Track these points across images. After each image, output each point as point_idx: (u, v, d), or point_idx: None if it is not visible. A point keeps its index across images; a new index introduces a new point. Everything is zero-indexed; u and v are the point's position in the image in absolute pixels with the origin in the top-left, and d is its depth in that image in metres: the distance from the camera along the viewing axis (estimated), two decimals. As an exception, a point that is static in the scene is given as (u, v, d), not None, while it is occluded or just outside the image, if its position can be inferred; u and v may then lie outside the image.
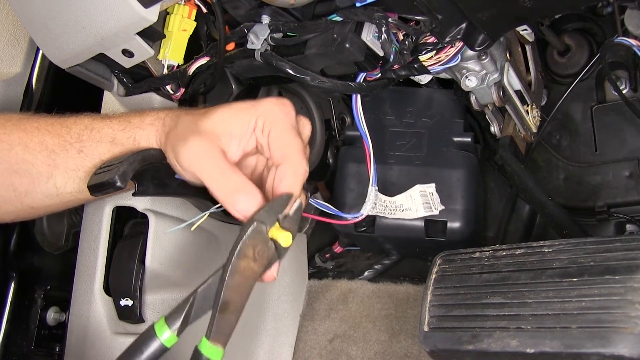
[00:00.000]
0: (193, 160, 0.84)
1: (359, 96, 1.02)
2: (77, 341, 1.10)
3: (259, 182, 0.90)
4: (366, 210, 1.07)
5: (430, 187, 1.15)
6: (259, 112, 0.86)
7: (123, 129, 0.95)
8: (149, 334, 0.76)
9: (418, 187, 1.15)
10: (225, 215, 0.93)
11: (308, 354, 1.31)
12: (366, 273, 1.39)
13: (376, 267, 1.40)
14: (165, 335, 0.76)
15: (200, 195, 0.97)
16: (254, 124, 0.86)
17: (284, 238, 0.79)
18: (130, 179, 0.87)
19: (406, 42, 0.95)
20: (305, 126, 0.90)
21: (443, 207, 1.15)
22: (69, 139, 0.95)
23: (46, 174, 0.95)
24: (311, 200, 1.03)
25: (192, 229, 0.95)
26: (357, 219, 1.08)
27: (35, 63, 1.20)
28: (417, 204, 1.15)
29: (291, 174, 0.82)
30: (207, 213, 0.91)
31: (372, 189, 1.06)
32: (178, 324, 0.77)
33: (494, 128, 1.15)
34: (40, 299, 1.26)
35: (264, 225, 0.78)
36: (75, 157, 0.95)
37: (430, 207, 1.15)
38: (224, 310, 0.76)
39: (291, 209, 0.81)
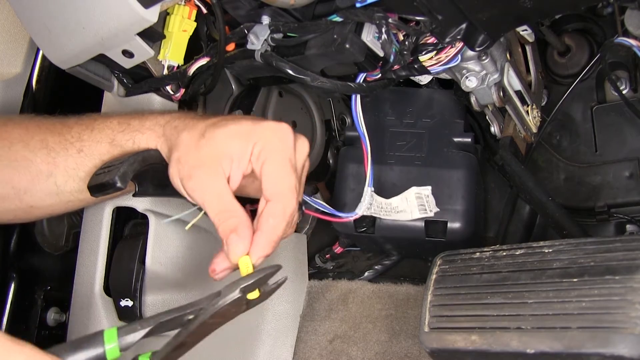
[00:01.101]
0: (198, 194, 0.86)
1: (358, 97, 1.02)
2: (77, 342, 1.10)
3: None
4: (361, 210, 1.07)
5: (426, 190, 1.15)
6: (256, 138, 0.86)
7: (122, 131, 0.95)
8: (96, 339, 0.74)
9: (414, 190, 1.15)
10: None
11: (308, 355, 1.31)
12: (366, 273, 1.39)
13: (376, 267, 1.40)
14: (110, 346, 0.73)
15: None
16: (250, 151, 0.86)
17: (252, 295, 0.80)
18: (130, 179, 0.87)
19: (406, 43, 0.95)
20: (304, 146, 0.90)
21: (438, 210, 1.15)
22: (70, 138, 0.96)
23: (46, 172, 0.96)
24: (309, 199, 1.04)
25: (187, 227, 0.95)
26: (351, 218, 1.09)
27: (35, 63, 1.20)
28: (412, 206, 1.15)
29: (279, 214, 0.83)
30: (202, 212, 0.91)
31: (368, 190, 1.06)
32: (126, 341, 0.75)
33: (494, 128, 1.15)
34: (41, 299, 1.26)
35: (246, 294, 0.79)
36: (75, 156, 0.95)
37: (425, 210, 1.15)
38: (178, 348, 0.77)
39: (276, 281, 0.82)
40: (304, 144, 0.91)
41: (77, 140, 0.96)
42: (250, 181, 0.91)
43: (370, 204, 1.09)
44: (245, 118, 0.91)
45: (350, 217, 1.09)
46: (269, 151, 0.86)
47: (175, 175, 0.89)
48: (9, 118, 1.00)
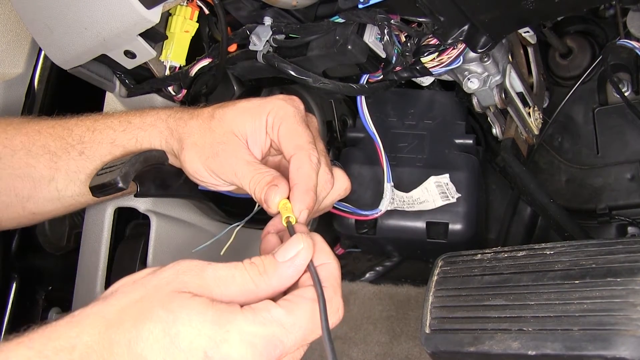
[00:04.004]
0: (228, 168, 0.85)
1: (363, 98, 1.02)
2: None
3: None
4: (384, 206, 1.06)
5: (445, 178, 1.15)
6: (268, 109, 0.86)
7: (124, 130, 0.94)
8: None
9: (433, 179, 1.15)
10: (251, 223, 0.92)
11: (309, 355, 1.30)
12: (367, 275, 1.39)
13: (377, 268, 1.40)
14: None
15: (202, 196, 0.97)
16: (265, 123, 0.85)
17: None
18: (132, 180, 0.87)
19: (408, 44, 0.95)
20: (312, 120, 0.90)
21: (459, 195, 1.15)
22: (71, 141, 0.95)
23: (48, 177, 0.95)
24: None
25: (222, 252, 0.93)
26: (376, 215, 1.08)
27: (37, 64, 1.21)
28: (433, 195, 1.15)
29: (306, 162, 0.81)
30: (235, 231, 0.90)
31: (388, 185, 1.06)
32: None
33: (496, 130, 1.15)
34: (42, 299, 1.26)
35: None
36: (77, 159, 0.95)
37: (447, 197, 1.15)
38: None
39: None
40: (312, 118, 0.90)
41: (78, 142, 0.95)
42: (275, 164, 0.90)
43: (392, 199, 1.09)
44: (252, 99, 0.90)
45: (375, 213, 1.07)
46: (283, 116, 0.85)
47: (194, 160, 0.87)
48: (7, 123, 0.99)
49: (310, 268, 0.71)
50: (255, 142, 0.86)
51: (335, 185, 0.87)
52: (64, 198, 0.97)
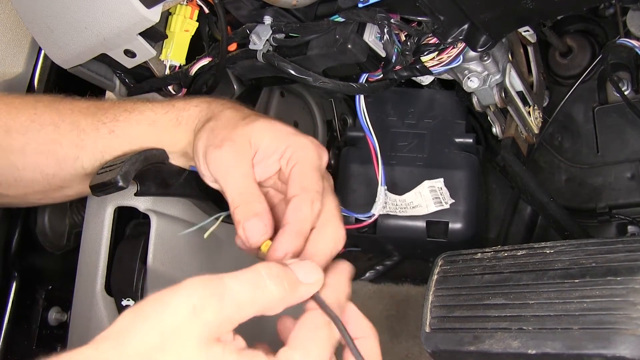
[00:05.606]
0: (221, 169, 0.83)
1: (362, 97, 1.02)
2: (78, 341, 1.09)
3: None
4: (377, 209, 1.06)
5: (439, 182, 1.15)
6: (291, 142, 0.84)
7: (166, 112, 0.92)
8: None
9: (427, 183, 1.15)
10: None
11: None
12: (367, 274, 1.39)
13: (377, 267, 1.40)
14: None
15: (203, 196, 0.97)
16: (282, 151, 0.83)
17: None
18: (132, 178, 0.87)
19: (408, 43, 0.95)
20: (329, 177, 0.88)
21: (453, 201, 1.15)
22: (104, 119, 0.93)
23: (73, 155, 0.93)
24: None
25: (205, 235, 0.93)
26: (370, 220, 1.07)
27: (37, 63, 1.21)
28: (427, 199, 1.15)
29: (307, 206, 0.79)
30: (220, 218, 0.89)
31: (382, 189, 1.06)
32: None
33: (496, 129, 1.15)
34: (42, 299, 1.26)
35: None
36: (106, 137, 0.93)
37: (441, 202, 1.15)
38: None
39: None
40: (329, 175, 0.88)
41: (111, 120, 0.93)
42: (271, 183, 0.88)
43: (385, 202, 1.09)
44: (292, 127, 0.88)
45: (368, 219, 1.07)
46: (302, 157, 0.83)
47: (201, 142, 0.85)
48: (37, 99, 0.96)
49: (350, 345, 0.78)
50: (261, 160, 0.84)
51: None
52: (90, 175, 0.94)
